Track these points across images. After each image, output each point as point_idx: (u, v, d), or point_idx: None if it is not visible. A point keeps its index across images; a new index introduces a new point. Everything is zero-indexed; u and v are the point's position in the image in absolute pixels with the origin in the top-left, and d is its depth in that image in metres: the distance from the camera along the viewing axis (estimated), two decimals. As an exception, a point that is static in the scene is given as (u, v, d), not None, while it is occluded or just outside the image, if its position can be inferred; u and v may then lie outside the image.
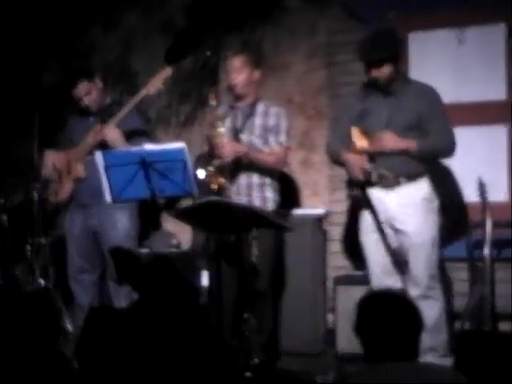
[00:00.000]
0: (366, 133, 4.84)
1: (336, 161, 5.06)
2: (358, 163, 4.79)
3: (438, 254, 4.88)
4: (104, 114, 5.45)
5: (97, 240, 5.48)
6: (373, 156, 4.81)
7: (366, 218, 4.92)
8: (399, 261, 4.89)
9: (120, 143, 5.27)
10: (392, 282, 4.90)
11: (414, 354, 2.98)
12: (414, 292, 4.66)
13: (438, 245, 4.89)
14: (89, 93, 5.46)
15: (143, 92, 5.25)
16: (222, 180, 4.99)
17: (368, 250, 4.96)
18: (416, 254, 4.80)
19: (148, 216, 5.05)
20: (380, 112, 4.84)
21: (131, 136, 5.38)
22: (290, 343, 5.54)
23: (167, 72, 5.20)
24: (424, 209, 4.82)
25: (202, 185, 5.00)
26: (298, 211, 5.84)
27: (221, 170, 5.02)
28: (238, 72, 5.17)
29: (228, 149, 5.03)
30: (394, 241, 4.86)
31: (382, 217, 4.86)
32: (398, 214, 4.82)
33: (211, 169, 5.01)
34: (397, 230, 4.85)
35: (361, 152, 4.82)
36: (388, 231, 4.87)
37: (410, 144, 4.80)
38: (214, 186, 4.97)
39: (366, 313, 3.02)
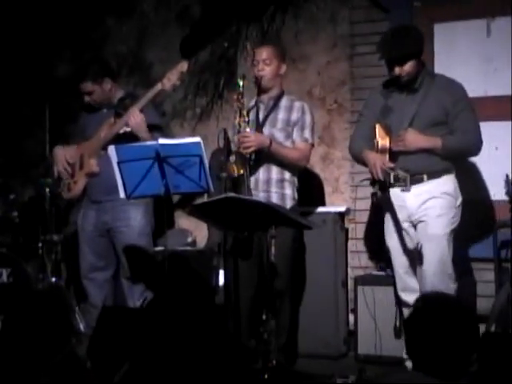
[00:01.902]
0: (389, 130, 4.86)
1: (358, 159, 5.09)
2: (378, 163, 4.80)
3: (451, 253, 4.88)
4: (118, 108, 5.48)
5: (110, 237, 5.51)
6: (395, 155, 4.83)
7: (389, 218, 4.98)
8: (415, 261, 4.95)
9: (143, 129, 5.28)
10: (414, 283, 4.94)
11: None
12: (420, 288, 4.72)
13: (453, 244, 4.90)
14: (91, 93, 5.50)
15: (158, 87, 5.27)
16: (241, 171, 5.03)
17: (392, 250, 5.01)
18: (430, 248, 4.83)
19: (163, 213, 5.06)
20: (403, 110, 4.86)
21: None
22: (310, 345, 5.56)
23: (183, 66, 5.22)
24: (445, 202, 4.85)
25: (220, 179, 5.03)
26: (318, 208, 5.85)
27: (241, 161, 5.05)
28: (266, 64, 5.20)
29: (252, 139, 5.06)
30: (413, 240, 4.90)
31: (402, 214, 4.90)
32: (417, 209, 4.86)
33: (231, 160, 5.04)
34: (416, 226, 4.89)
35: (382, 151, 4.84)
36: (409, 230, 4.92)
37: (434, 143, 4.82)
38: (234, 174, 5.01)
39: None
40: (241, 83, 5.08)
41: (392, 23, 5.72)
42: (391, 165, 4.81)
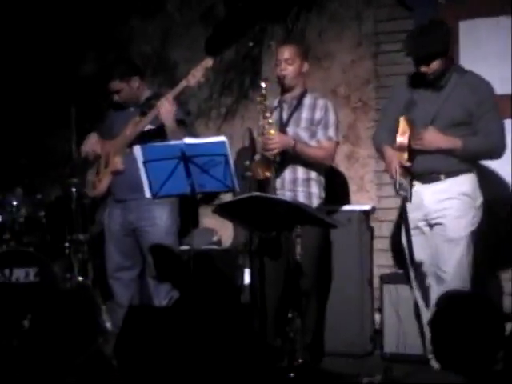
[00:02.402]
0: (413, 125, 4.81)
1: (379, 152, 5.08)
2: (394, 161, 4.77)
3: (472, 255, 4.82)
4: (143, 107, 5.51)
5: (136, 236, 5.53)
6: (413, 152, 4.79)
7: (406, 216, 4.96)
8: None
9: (171, 118, 5.29)
10: (427, 282, 4.92)
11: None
12: (442, 289, 4.64)
13: (475, 245, 4.84)
14: (119, 91, 5.53)
15: (183, 83, 5.28)
16: (267, 173, 5.03)
17: (407, 248, 5.00)
18: (449, 251, 4.78)
19: (188, 212, 5.09)
20: (426, 106, 4.83)
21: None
22: (336, 343, 5.55)
23: (208, 62, 5.23)
24: (463, 204, 4.78)
25: (245, 178, 5.04)
26: (343, 207, 5.84)
27: (266, 163, 5.06)
28: (288, 63, 5.21)
29: (276, 140, 5.07)
30: (428, 240, 4.87)
31: (418, 213, 4.85)
32: (434, 209, 4.81)
33: (256, 159, 5.05)
34: (433, 226, 4.84)
35: (400, 148, 4.80)
36: (424, 229, 4.88)
37: (454, 143, 4.75)
38: (260, 176, 5.02)
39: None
40: (263, 85, 5.09)
41: (416, 21, 5.69)
42: (408, 164, 4.77)
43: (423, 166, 4.81)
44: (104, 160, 5.59)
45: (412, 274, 5.04)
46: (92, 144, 5.62)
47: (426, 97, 4.85)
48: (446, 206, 4.78)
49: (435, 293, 4.76)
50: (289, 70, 5.20)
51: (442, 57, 4.77)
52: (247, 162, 5.08)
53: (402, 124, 4.83)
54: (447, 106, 4.79)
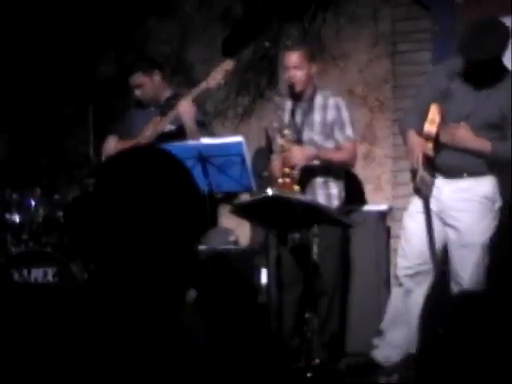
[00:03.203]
0: (444, 116, 4.67)
1: (404, 136, 4.92)
2: (417, 150, 4.66)
3: (487, 261, 4.74)
4: (164, 107, 5.51)
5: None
6: (439, 145, 4.68)
7: (415, 202, 4.84)
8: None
9: (191, 119, 5.29)
10: (422, 269, 4.83)
11: None
12: (456, 288, 4.63)
13: (492, 251, 4.76)
14: (141, 85, 5.52)
15: (203, 85, 5.29)
16: (295, 188, 4.99)
17: (409, 232, 4.87)
18: (464, 256, 4.71)
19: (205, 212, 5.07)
20: (464, 101, 4.68)
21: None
22: (353, 344, 5.55)
23: (228, 65, 5.24)
24: (482, 207, 4.69)
25: (262, 178, 5.04)
26: (360, 207, 5.84)
27: (292, 179, 5.02)
28: (297, 69, 5.17)
29: (298, 155, 5.04)
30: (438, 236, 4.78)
31: (434, 206, 4.75)
32: (451, 208, 4.72)
33: (273, 158, 5.04)
34: (446, 225, 4.75)
35: (427, 138, 4.67)
36: (436, 224, 4.77)
37: (483, 146, 4.64)
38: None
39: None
40: (277, 101, 5.06)
41: (434, 20, 5.68)
42: (432, 153, 4.65)
43: (447, 161, 4.71)
44: None
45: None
46: (113, 147, 5.59)
47: (465, 91, 4.68)
48: (465, 209, 4.70)
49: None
50: (298, 77, 5.17)
51: (498, 59, 4.60)
52: (265, 173, 5.06)
53: (433, 112, 4.67)
54: (485, 106, 4.65)
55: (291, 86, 5.17)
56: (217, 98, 6.90)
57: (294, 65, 5.17)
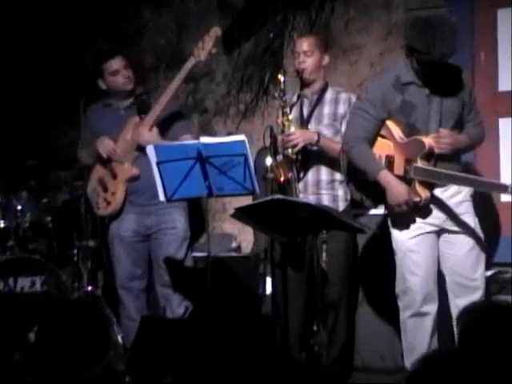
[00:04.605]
0: (412, 131, 4.68)
1: (356, 167, 4.78)
2: (406, 199, 4.63)
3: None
4: (140, 105, 5.46)
5: (150, 242, 5.51)
6: (437, 159, 4.69)
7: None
8: None
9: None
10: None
11: None
12: (474, 297, 4.66)
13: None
14: (118, 72, 5.40)
15: (191, 60, 5.26)
16: (289, 174, 5.01)
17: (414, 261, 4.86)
18: (475, 257, 4.78)
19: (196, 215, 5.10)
20: (429, 106, 4.67)
21: (171, 121, 5.40)
22: (365, 358, 5.53)
23: (216, 31, 5.22)
24: (472, 205, 4.80)
25: (266, 180, 5.02)
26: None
27: (288, 162, 5.04)
28: (307, 55, 5.19)
29: (297, 135, 5.05)
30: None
31: (433, 220, 4.77)
32: (454, 214, 4.76)
33: (279, 159, 5.04)
34: (451, 233, 4.79)
35: (428, 154, 4.65)
36: (437, 237, 4.82)
37: (465, 140, 4.75)
38: (281, 179, 5.00)
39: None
40: (282, 79, 5.08)
41: (450, 9, 5.67)
42: (417, 199, 4.65)
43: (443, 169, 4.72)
44: (108, 172, 5.52)
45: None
46: (111, 143, 5.50)
47: (425, 96, 4.67)
48: (464, 211, 4.76)
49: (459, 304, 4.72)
50: (308, 63, 5.19)
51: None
52: (268, 163, 5.06)
53: (396, 129, 4.71)
54: (449, 104, 4.70)
55: (300, 73, 5.18)
56: (217, 95, 6.90)
57: (305, 50, 5.19)
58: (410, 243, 4.78)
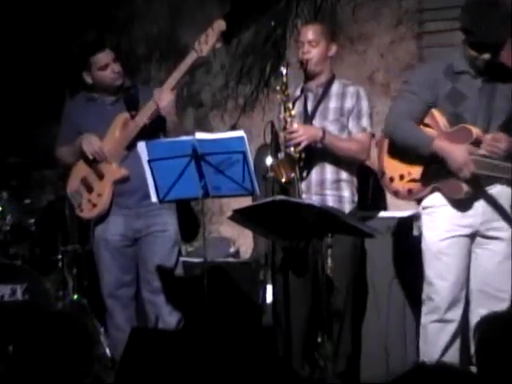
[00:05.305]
0: (458, 122, 4.73)
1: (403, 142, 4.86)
2: (465, 156, 4.66)
3: None
4: (128, 100, 5.43)
5: (138, 247, 5.48)
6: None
7: (448, 222, 4.86)
8: None
9: (173, 111, 5.24)
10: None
11: None
12: (498, 309, 4.60)
13: None
14: (107, 66, 5.39)
15: (194, 54, 5.23)
16: (291, 174, 4.99)
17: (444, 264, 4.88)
18: (505, 267, 4.78)
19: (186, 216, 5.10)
20: (480, 100, 4.71)
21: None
22: (373, 372, 5.52)
23: (220, 25, 5.20)
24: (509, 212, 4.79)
25: (267, 180, 5.01)
26: (380, 213, 5.80)
27: (290, 161, 5.01)
28: (312, 45, 5.17)
29: (301, 133, 5.03)
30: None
31: (468, 223, 4.79)
32: (491, 219, 4.78)
33: (280, 157, 5.03)
34: (489, 238, 4.80)
35: (476, 142, 4.67)
36: (471, 241, 4.83)
37: None
38: (282, 179, 4.99)
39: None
40: (284, 72, 5.07)
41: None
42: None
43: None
44: (94, 172, 5.47)
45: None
46: (98, 142, 5.46)
47: (477, 88, 4.73)
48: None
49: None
50: (313, 53, 5.18)
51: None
52: (269, 161, 5.05)
53: (441, 119, 4.77)
54: (499, 100, 4.72)
55: (304, 64, 5.17)
56: (214, 87, 6.90)
57: (310, 40, 5.18)
58: (442, 245, 4.81)
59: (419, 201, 4.91)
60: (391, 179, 4.92)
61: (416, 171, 4.85)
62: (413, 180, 4.87)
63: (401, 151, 4.87)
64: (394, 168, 4.91)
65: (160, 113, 5.24)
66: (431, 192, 4.82)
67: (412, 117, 4.78)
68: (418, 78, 4.87)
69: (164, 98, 5.22)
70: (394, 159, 4.92)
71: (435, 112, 4.78)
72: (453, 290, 4.80)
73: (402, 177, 4.89)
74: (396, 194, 4.96)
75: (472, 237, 4.80)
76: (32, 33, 7.13)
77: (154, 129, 5.32)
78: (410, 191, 4.88)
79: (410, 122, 4.78)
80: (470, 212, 4.77)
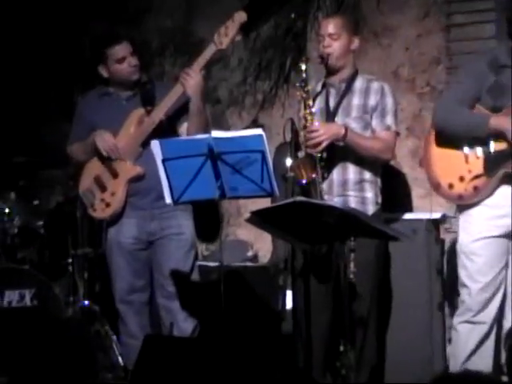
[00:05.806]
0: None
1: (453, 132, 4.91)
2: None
3: None
4: (144, 95, 5.45)
5: (152, 250, 5.49)
6: None
7: (486, 219, 4.88)
8: None
9: (199, 94, 5.25)
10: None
11: None
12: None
13: None
14: (124, 59, 5.41)
15: (212, 47, 5.25)
16: (312, 174, 5.00)
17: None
18: None
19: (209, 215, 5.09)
20: None
21: (181, 112, 5.40)
22: (399, 381, 5.51)
23: (241, 17, 5.21)
24: None
25: (286, 180, 5.02)
26: (406, 215, 5.80)
27: (311, 161, 5.02)
28: (334, 38, 5.18)
29: (322, 132, 5.03)
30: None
31: (509, 220, 4.78)
32: None
33: (300, 156, 5.03)
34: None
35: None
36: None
37: None
38: (303, 178, 4.99)
39: None
40: (303, 67, 5.07)
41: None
42: None
43: None
44: (107, 170, 5.50)
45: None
46: (112, 138, 5.48)
47: None
48: None
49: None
50: (334, 47, 5.19)
51: None
52: (289, 161, 5.05)
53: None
54: None
55: (325, 59, 5.17)
56: (231, 83, 6.90)
57: (331, 33, 5.19)
58: (474, 246, 4.84)
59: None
60: (450, 186, 4.91)
61: (476, 166, 4.84)
62: (475, 177, 4.85)
63: (455, 145, 4.87)
64: (449, 173, 4.91)
65: (187, 93, 5.24)
66: (502, 181, 4.80)
67: (462, 104, 4.81)
68: (464, 70, 4.95)
69: (191, 78, 5.23)
70: (447, 164, 4.92)
71: (479, 107, 4.80)
72: (485, 291, 4.81)
73: (462, 178, 4.87)
74: (460, 198, 4.93)
75: (509, 237, 4.80)
76: (39, 26, 7.17)
77: (171, 123, 5.34)
78: (476, 189, 4.85)
79: (461, 108, 4.81)
80: (506, 212, 4.76)
